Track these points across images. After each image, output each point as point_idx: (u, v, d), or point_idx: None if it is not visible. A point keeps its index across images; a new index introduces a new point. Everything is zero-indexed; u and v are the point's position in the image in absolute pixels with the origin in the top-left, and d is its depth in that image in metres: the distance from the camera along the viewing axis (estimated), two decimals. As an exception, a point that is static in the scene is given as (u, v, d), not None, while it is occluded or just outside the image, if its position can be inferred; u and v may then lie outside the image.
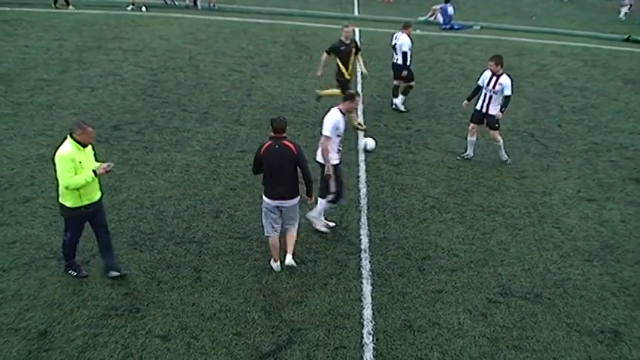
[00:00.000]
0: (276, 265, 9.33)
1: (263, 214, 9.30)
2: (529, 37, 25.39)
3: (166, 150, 13.03)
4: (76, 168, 8.13)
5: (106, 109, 14.90)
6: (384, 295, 8.99)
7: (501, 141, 13.30)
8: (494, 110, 13.01)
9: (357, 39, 19.56)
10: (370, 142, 13.71)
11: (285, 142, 8.93)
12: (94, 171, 8.28)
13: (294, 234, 9.40)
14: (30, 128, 13.64)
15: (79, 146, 8.22)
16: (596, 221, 11.39)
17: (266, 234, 9.33)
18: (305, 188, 9.24)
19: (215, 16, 24.72)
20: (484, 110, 13.14)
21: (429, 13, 27.07)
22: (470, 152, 13.60)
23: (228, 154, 13.00)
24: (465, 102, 13.69)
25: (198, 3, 26.01)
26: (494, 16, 29.18)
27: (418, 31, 24.25)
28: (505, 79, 12.83)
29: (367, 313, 8.61)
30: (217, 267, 9.33)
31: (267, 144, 8.97)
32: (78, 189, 8.24)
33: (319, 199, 10.30)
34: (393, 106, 16.00)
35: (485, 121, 13.21)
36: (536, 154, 13.94)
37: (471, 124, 13.46)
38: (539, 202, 11.93)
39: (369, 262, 9.70)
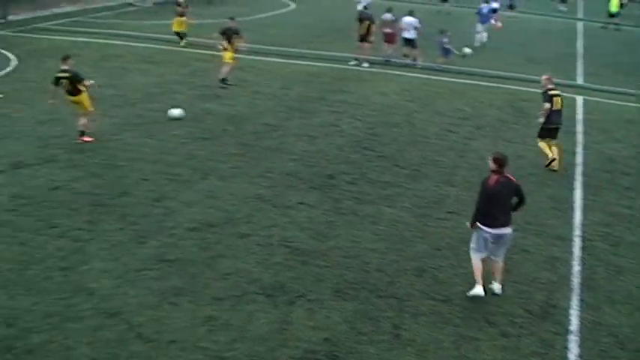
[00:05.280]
0: (479, 289, 9.95)
1: (475, 241, 10.06)
2: None
3: (376, 203, 13.28)
4: None
5: (323, 157, 15.54)
6: (591, 383, 8.42)
7: None
8: None
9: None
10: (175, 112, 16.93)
11: (508, 175, 10.03)
12: None
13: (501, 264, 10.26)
14: (253, 169, 14.55)
15: None
16: None
17: (477, 254, 10.03)
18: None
19: (434, 76, 25.00)
20: None
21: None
22: None
23: (436, 213, 12.97)
24: None
25: (418, 62, 26.45)
26: None
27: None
28: None
29: (571, 399, 8.10)
30: (417, 327, 9.27)
31: (495, 178, 9.95)
32: None
33: None
34: None
35: None
36: None
37: None
38: None
39: (578, 346, 9.14)
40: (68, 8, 35.77)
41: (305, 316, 9.36)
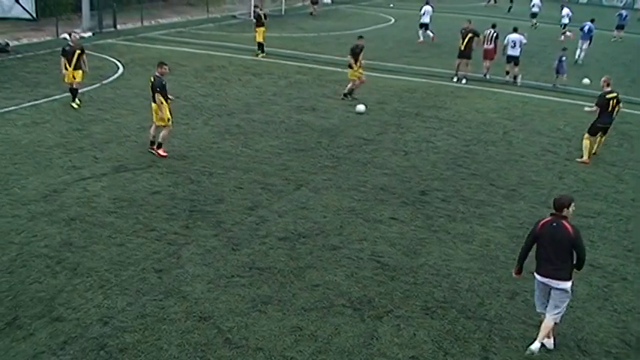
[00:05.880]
0: (534, 344, 8.88)
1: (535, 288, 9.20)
2: None
3: (469, 222, 13.06)
4: None
5: (416, 173, 15.43)
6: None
7: None
8: None
9: None
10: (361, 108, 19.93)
11: (564, 222, 8.72)
12: None
13: (550, 323, 8.90)
14: (345, 182, 14.61)
15: None
16: None
17: (537, 310, 9.24)
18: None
19: (533, 94, 24.41)
20: None
21: None
22: None
23: (531, 235, 12.62)
24: None
25: (518, 79, 25.92)
26: None
27: None
28: None
29: None
30: (506, 351, 9.02)
31: (546, 220, 8.88)
32: None
33: None
34: None
35: None
36: None
37: None
38: None
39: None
40: (174, 19, 37.10)
41: (392, 333, 9.29)
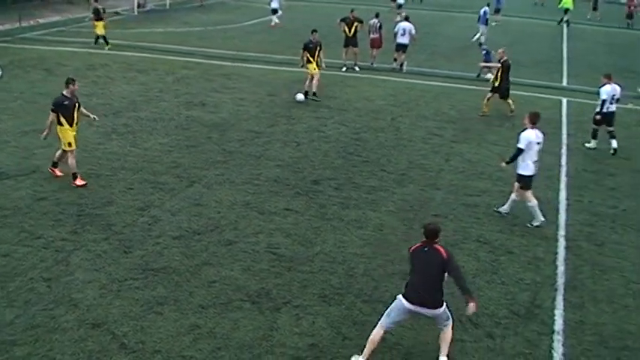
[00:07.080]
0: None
1: (390, 306, 8.58)
2: None
3: (362, 208, 13.30)
4: None
5: (309, 163, 15.56)
6: (576, 383, 8.45)
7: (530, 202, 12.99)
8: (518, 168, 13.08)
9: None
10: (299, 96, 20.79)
11: (437, 246, 8.35)
12: None
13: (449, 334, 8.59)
14: (238, 176, 14.55)
15: None
16: None
17: (380, 323, 8.57)
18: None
19: (419, 80, 25.06)
20: None
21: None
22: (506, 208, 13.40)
23: (421, 217, 12.98)
24: None
25: (404, 66, 26.51)
26: None
27: None
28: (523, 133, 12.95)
29: (556, 400, 8.12)
30: (402, 330, 9.25)
31: (417, 246, 8.50)
32: None
33: None
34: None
35: None
36: None
37: None
38: None
39: (562, 345, 9.20)
40: (54, 18, 35.70)
41: (291, 323, 9.36)
